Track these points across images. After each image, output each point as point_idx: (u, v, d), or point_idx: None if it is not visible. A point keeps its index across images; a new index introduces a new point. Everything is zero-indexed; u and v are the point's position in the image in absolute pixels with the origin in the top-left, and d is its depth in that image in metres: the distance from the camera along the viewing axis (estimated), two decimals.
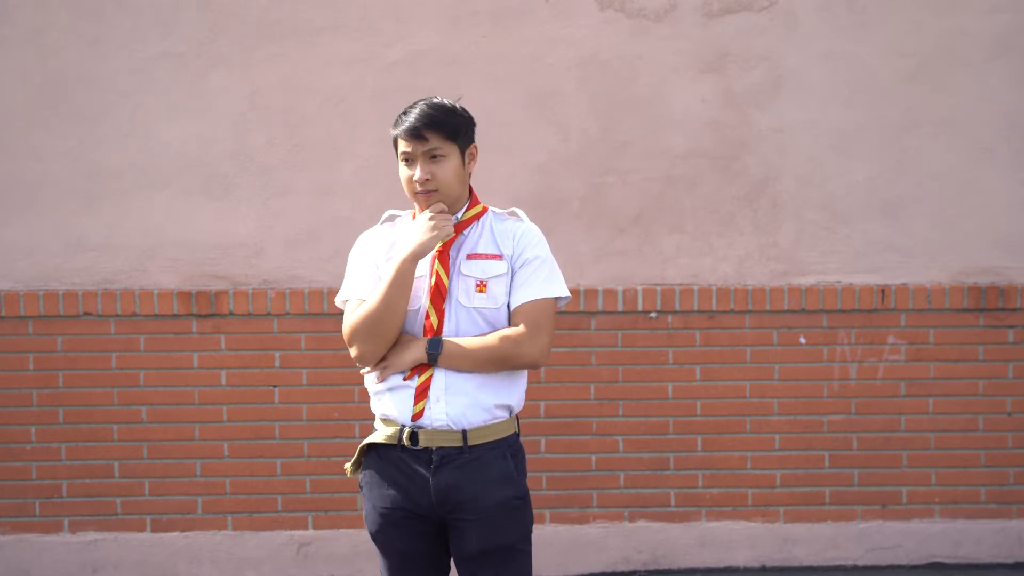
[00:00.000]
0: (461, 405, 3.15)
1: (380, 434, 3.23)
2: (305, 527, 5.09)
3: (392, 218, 3.39)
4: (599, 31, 5.04)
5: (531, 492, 3.76)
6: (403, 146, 3.21)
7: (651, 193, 5.07)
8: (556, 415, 5.07)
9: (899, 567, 5.17)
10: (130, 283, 5.00)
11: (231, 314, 5.01)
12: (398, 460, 3.19)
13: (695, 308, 5.06)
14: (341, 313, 5.01)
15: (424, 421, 3.15)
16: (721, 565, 5.18)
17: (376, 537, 3.25)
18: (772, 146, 5.09)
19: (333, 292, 5.02)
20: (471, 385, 3.16)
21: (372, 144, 5.04)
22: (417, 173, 3.19)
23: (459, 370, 3.15)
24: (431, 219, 3.17)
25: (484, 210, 3.33)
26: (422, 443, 3.15)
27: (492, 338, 3.17)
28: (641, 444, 5.12)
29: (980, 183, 5.11)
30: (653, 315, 5.07)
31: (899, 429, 5.16)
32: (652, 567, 5.17)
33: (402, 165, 3.23)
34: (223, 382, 5.01)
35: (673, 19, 5.05)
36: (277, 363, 5.03)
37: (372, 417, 5.00)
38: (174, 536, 5.07)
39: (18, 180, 4.99)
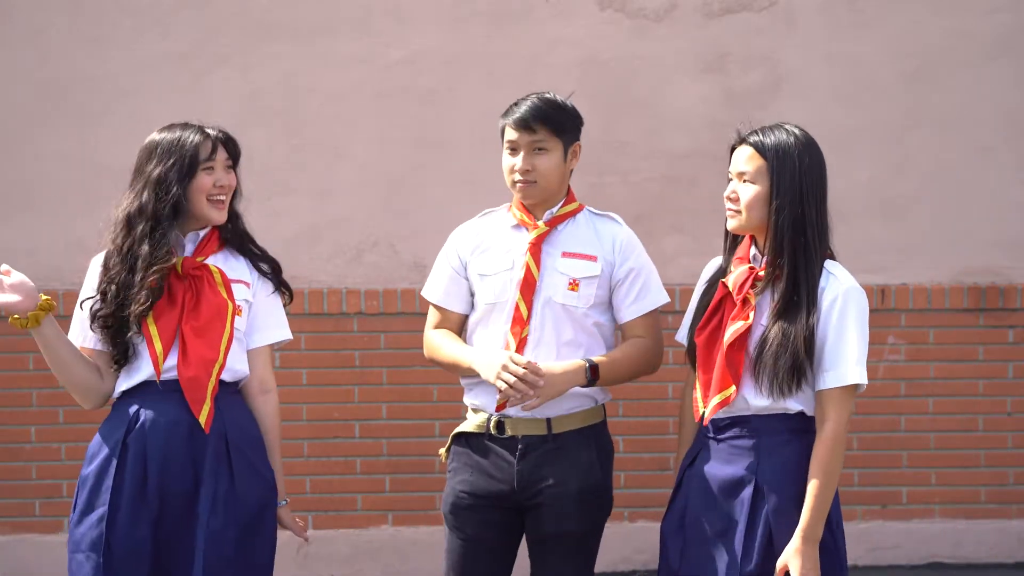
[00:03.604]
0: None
1: (470, 423, 3.34)
2: (305, 527, 5.08)
3: (487, 213, 3.45)
4: (599, 31, 5.04)
5: None
6: (510, 134, 3.27)
7: (651, 193, 5.06)
8: None
9: (899, 567, 5.17)
10: None
11: None
12: (485, 448, 3.28)
13: None
14: (340, 313, 5.04)
15: (509, 411, 3.23)
16: None
17: (448, 517, 3.36)
18: None
19: (333, 292, 5.02)
20: None
21: (372, 144, 5.04)
22: (519, 163, 3.25)
23: (610, 385, 3.29)
24: (504, 368, 3.12)
25: (580, 208, 3.37)
26: (508, 432, 3.24)
27: (630, 354, 3.28)
28: (641, 444, 5.11)
29: (980, 183, 5.11)
30: None
31: (899, 429, 5.15)
32: (652, 567, 5.16)
33: (506, 154, 3.30)
34: None
35: (673, 19, 5.05)
36: (278, 363, 5.01)
37: (372, 417, 5.06)
38: None
39: (18, 180, 4.99)
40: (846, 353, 2.94)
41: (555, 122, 3.25)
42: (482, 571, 3.33)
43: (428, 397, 5.05)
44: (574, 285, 3.24)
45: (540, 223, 3.30)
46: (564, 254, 3.28)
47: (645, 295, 3.33)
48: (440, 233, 5.02)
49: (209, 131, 3.25)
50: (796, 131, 3.04)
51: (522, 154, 3.25)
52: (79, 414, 5.01)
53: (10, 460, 5.04)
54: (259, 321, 3.30)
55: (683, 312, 3.36)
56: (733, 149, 3.10)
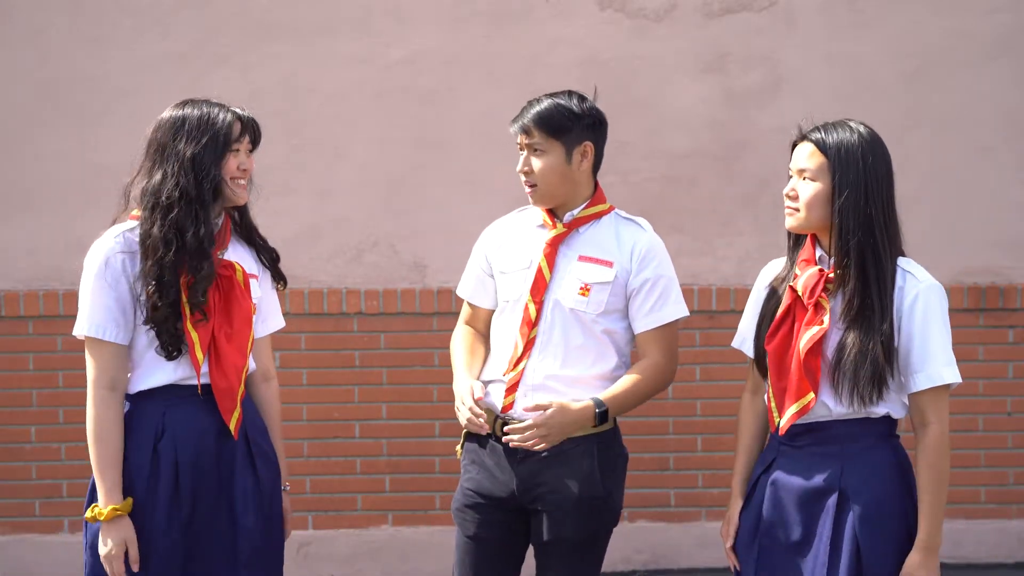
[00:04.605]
0: (548, 401, 3.18)
1: None
2: (305, 527, 5.08)
3: (523, 211, 3.43)
4: (599, 31, 5.04)
5: None
6: (515, 136, 3.26)
7: (651, 193, 5.06)
8: None
9: None
10: None
11: None
12: (492, 448, 3.27)
13: (695, 308, 5.04)
14: (340, 313, 5.04)
15: (513, 413, 3.22)
16: (721, 565, 5.16)
17: (455, 514, 3.36)
18: (772, 146, 5.08)
19: (333, 292, 5.02)
20: (562, 383, 3.21)
21: (372, 144, 5.04)
22: (520, 164, 3.26)
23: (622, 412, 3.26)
24: (469, 410, 3.21)
25: (608, 210, 3.32)
26: None
27: (639, 379, 3.23)
28: (641, 444, 5.11)
29: (980, 183, 5.11)
30: None
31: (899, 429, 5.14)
32: (652, 567, 5.17)
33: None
34: None
35: (673, 19, 5.05)
36: (277, 363, 5.01)
37: (372, 417, 5.06)
38: None
39: (18, 180, 4.99)
40: (935, 352, 2.90)
41: (549, 124, 3.20)
42: (487, 570, 3.33)
43: (428, 397, 5.06)
44: (585, 290, 3.21)
45: (560, 224, 3.28)
46: (580, 258, 3.25)
47: (661, 307, 3.24)
48: (440, 233, 5.07)
49: (237, 111, 3.10)
50: (860, 128, 2.97)
51: (523, 155, 3.25)
52: (79, 414, 4.98)
53: (10, 460, 5.05)
54: (263, 312, 3.29)
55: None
56: (794, 145, 3.03)
